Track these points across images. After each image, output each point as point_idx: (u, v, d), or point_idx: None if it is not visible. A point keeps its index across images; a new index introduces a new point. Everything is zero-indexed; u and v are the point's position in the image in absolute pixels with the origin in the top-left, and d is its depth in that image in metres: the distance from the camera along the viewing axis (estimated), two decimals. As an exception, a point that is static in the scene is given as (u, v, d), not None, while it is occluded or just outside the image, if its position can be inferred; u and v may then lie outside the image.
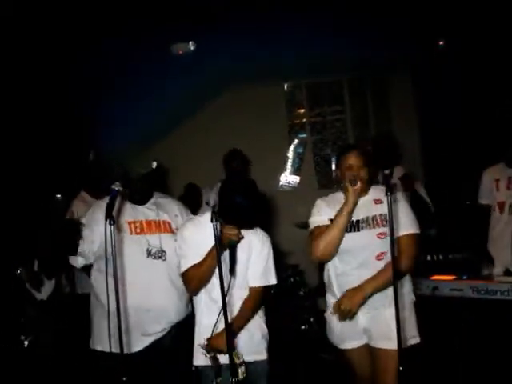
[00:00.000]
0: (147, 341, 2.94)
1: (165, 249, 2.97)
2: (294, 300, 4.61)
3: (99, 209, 2.93)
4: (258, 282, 2.75)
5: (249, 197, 2.58)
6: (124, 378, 2.17)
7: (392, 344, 2.31)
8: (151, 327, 2.95)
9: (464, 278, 3.68)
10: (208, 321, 2.68)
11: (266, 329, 2.86)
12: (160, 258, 2.96)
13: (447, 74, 5.90)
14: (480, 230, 4.20)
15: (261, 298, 2.78)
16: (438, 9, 5.33)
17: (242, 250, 2.68)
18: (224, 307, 2.27)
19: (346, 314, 2.63)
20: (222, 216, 2.45)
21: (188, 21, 5.30)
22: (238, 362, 2.51)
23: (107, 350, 2.57)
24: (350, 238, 2.71)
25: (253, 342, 2.76)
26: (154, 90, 6.11)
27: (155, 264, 2.94)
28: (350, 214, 2.67)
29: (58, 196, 2.71)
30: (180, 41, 5.88)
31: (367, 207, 2.76)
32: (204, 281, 2.69)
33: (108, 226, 2.23)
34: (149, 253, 2.93)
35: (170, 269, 2.94)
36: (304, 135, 6.71)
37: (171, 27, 5.36)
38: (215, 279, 2.64)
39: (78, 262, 2.96)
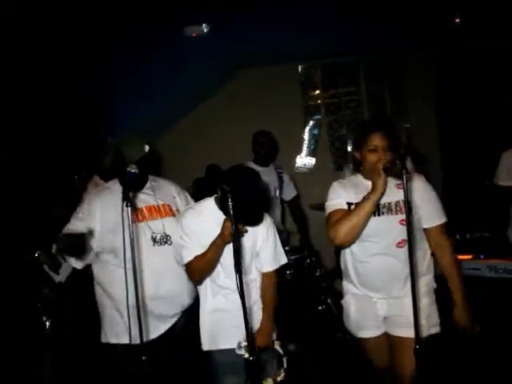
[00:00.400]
0: (164, 327, 2.96)
1: (168, 233, 2.94)
2: (310, 281, 4.60)
3: (96, 199, 2.94)
4: (271, 266, 2.80)
5: (257, 194, 2.51)
6: (143, 357, 2.20)
7: (413, 332, 2.25)
8: (166, 313, 2.97)
9: (481, 257, 3.65)
10: (212, 303, 2.72)
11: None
12: (166, 243, 2.93)
13: (464, 56, 5.83)
14: (499, 211, 4.14)
15: (277, 280, 2.82)
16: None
17: (246, 237, 2.68)
18: (244, 308, 2.26)
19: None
20: (227, 211, 2.34)
21: (200, 3, 5.27)
22: (282, 352, 2.57)
23: (124, 341, 2.61)
24: (370, 223, 2.60)
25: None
26: (165, 75, 6.10)
27: (162, 250, 2.92)
28: (378, 201, 2.54)
29: (76, 177, 2.72)
30: (191, 24, 5.84)
31: (389, 192, 2.61)
32: (208, 271, 2.67)
33: (125, 209, 2.21)
34: (154, 240, 2.91)
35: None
36: (319, 116, 6.65)
37: (182, 10, 5.32)
38: (219, 267, 2.66)
39: (80, 265, 2.95)
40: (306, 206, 5.62)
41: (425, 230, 2.71)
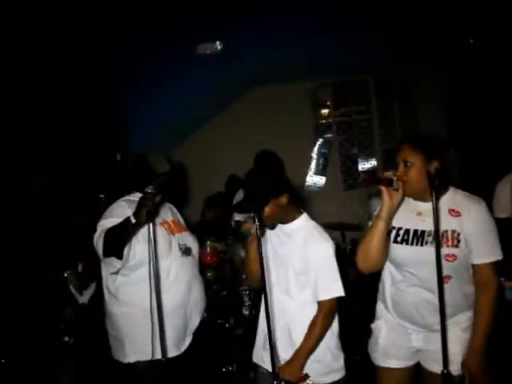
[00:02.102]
0: (190, 337, 3.01)
1: (189, 245, 3.06)
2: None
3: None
4: (318, 295, 2.48)
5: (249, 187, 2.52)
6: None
7: (450, 369, 2.09)
8: (195, 320, 3.04)
9: (501, 279, 3.62)
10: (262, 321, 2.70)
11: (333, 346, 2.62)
12: (189, 254, 3.03)
13: (474, 74, 5.85)
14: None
15: (331, 313, 2.52)
16: (465, 7, 5.28)
17: (291, 251, 2.53)
18: (268, 325, 2.22)
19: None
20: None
21: (213, 19, 5.28)
22: None
23: (159, 356, 2.52)
24: (409, 252, 2.38)
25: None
26: (179, 90, 6.11)
27: (188, 260, 3.00)
28: (387, 220, 2.30)
29: (102, 196, 2.72)
30: (205, 39, 5.87)
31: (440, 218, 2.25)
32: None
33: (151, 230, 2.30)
34: (181, 251, 2.99)
35: (196, 262, 3.10)
36: (330, 135, 6.67)
37: (196, 26, 5.33)
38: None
39: (117, 265, 2.75)
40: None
41: (473, 265, 2.40)
